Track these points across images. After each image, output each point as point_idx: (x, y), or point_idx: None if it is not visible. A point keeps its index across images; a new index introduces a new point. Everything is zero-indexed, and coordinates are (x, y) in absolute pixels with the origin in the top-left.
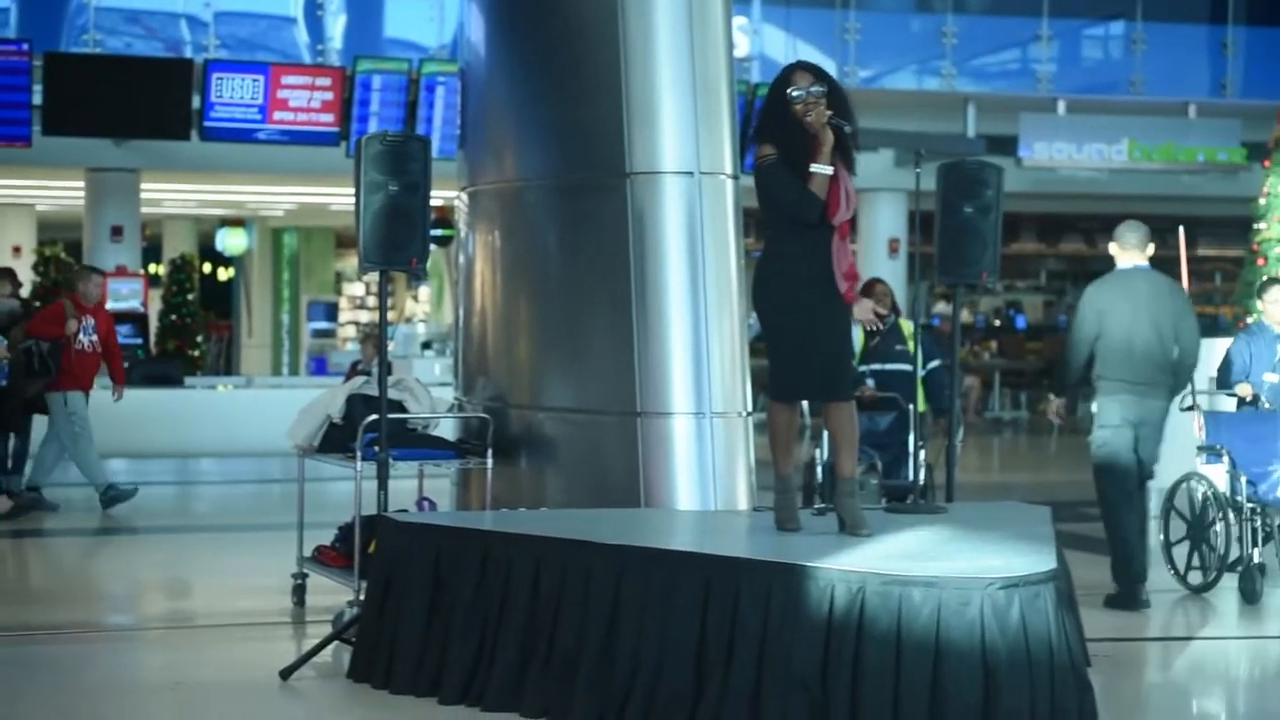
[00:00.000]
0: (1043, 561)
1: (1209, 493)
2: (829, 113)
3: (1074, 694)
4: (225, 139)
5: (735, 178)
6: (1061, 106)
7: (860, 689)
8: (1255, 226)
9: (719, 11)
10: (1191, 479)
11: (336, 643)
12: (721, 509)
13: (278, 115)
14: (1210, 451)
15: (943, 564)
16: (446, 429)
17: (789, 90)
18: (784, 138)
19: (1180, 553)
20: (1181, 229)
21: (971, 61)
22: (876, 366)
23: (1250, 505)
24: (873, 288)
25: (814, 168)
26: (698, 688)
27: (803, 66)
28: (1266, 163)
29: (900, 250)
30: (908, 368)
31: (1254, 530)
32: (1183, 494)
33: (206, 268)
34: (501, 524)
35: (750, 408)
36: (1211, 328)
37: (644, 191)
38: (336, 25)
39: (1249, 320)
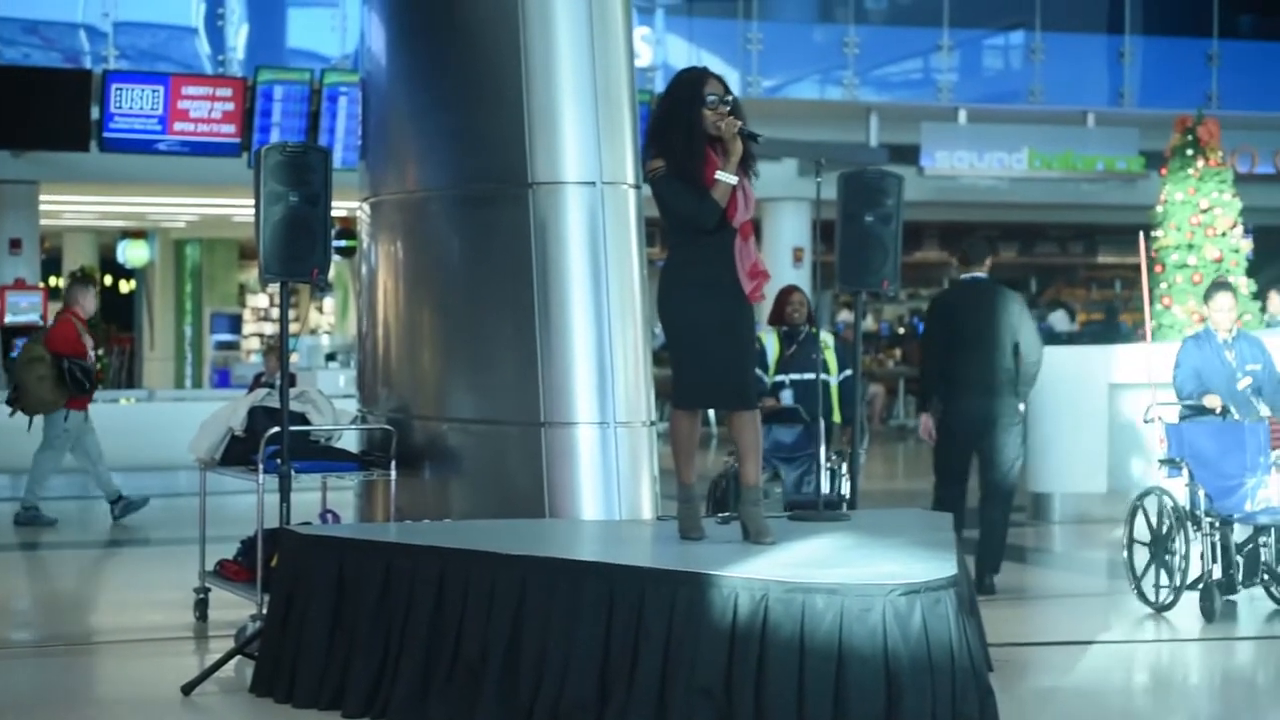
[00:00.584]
0: (944, 567)
1: (1169, 507)
2: (739, 123)
3: (975, 698)
4: (125, 150)
5: (638, 187)
6: (962, 116)
7: (764, 696)
8: (1153, 234)
9: (620, 21)
10: (1152, 493)
11: (239, 657)
12: (626, 518)
13: (178, 126)
14: (1171, 464)
15: (845, 571)
16: (350, 441)
17: (706, 94)
18: (684, 143)
19: (1143, 568)
20: (1142, 234)
21: (873, 71)
22: (795, 376)
23: (1209, 520)
24: (790, 295)
25: (719, 176)
26: (602, 697)
27: (712, 74)
28: (1164, 171)
29: (805, 259)
30: (825, 378)
31: (1213, 546)
32: (1147, 508)
33: (108, 280)
34: (405, 536)
35: (654, 417)
36: (1113, 334)
37: (546, 202)
38: (238, 35)
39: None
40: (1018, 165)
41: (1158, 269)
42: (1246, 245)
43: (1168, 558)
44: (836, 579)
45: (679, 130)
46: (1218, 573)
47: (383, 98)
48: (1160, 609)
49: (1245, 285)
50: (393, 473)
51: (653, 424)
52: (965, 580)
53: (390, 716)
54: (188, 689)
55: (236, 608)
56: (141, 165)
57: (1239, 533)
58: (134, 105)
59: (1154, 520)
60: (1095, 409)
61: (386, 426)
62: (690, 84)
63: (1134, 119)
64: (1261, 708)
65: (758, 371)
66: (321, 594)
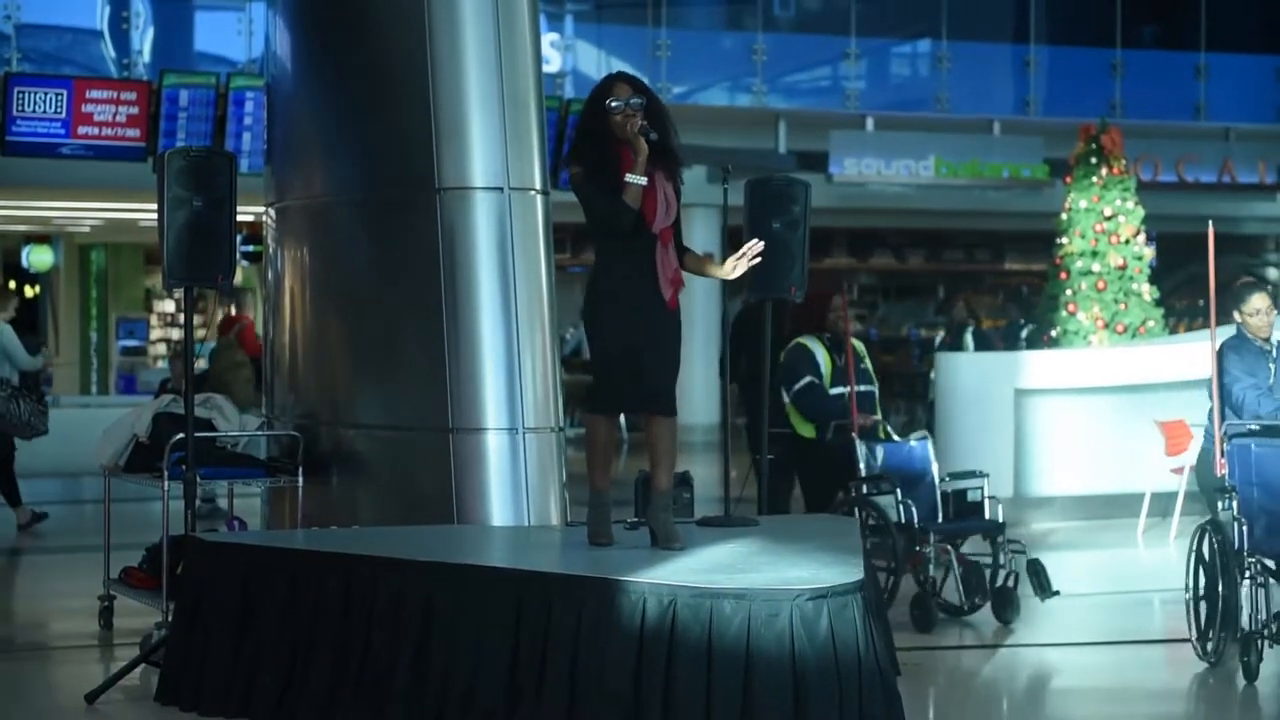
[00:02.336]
0: (850, 572)
1: (1219, 544)
2: (642, 123)
3: (882, 702)
4: (28, 154)
5: (545, 193)
6: (870, 123)
7: (672, 701)
8: (1058, 241)
9: (527, 26)
10: (1208, 527)
11: (144, 665)
12: (535, 524)
13: (82, 130)
14: (1224, 494)
15: (752, 576)
16: (257, 447)
17: (608, 101)
18: (593, 151)
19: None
20: (1211, 224)
21: (782, 79)
22: (854, 389)
23: (1253, 560)
24: (829, 300)
25: (628, 178)
26: (511, 703)
27: (622, 78)
28: (1068, 179)
29: None
30: (873, 389)
31: (1259, 591)
32: (1203, 549)
33: (11, 285)
34: (312, 543)
35: (563, 423)
36: (1016, 339)
37: (454, 207)
38: (143, 39)
39: (1051, 333)
40: (925, 172)
41: (1062, 276)
42: (1150, 252)
43: (1219, 600)
44: (744, 584)
45: (586, 138)
46: (1260, 622)
47: (288, 102)
48: (1212, 663)
49: (1148, 292)
50: (300, 479)
51: (561, 430)
52: (872, 585)
53: None
54: (92, 697)
55: (142, 616)
56: (45, 169)
57: None
58: (37, 108)
59: (1208, 559)
60: (1002, 414)
61: (293, 433)
62: (598, 91)
63: (1039, 127)
64: (1159, 709)
65: (817, 382)
66: (228, 602)
